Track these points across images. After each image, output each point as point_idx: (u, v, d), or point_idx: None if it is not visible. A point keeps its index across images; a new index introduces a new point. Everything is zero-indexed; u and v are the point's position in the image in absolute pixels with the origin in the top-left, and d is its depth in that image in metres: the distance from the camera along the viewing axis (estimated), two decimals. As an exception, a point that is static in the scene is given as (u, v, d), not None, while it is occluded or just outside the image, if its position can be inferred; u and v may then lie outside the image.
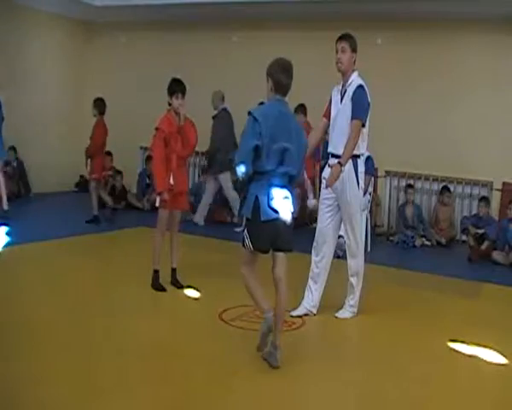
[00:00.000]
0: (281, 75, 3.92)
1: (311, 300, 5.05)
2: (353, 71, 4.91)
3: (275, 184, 3.85)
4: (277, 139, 3.82)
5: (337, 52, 4.87)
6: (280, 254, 3.98)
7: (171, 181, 5.43)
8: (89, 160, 8.62)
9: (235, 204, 8.95)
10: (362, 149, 4.91)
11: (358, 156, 4.90)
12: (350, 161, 4.79)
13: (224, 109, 8.94)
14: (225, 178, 8.88)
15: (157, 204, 5.49)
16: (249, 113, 3.87)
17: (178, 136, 5.47)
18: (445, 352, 4.46)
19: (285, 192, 3.90)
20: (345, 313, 5.08)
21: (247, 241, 3.88)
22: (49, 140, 11.05)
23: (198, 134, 5.69)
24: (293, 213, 4.01)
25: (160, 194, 5.39)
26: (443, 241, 8.74)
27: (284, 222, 3.90)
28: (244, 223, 4.05)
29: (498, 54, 8.83)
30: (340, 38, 4.89)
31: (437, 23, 9.02)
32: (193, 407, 3.43)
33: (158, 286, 5.49)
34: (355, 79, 4.88)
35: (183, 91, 5.47)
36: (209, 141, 8.89)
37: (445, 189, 8.94)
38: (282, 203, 3.87)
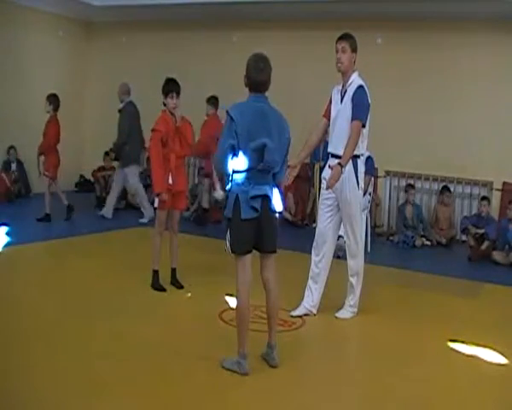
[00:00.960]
0: (253, 72, 3.79)
1: (311, 300, 5.05)
2: (353, 71, 4.90)
3: (255, 182, 3.74)
4: (255, 136, 3.70)
5: (337, 52, 4.86)
6: (267, 256, 3.90)
7: (170, 181, 5.42)
8: (42, 157, 8.54)
9: (141, 200, 8.91)
10: (362, 149, 4.90)
11: (358, 156, 4.89)
12: (350, 161, 4.78)
13: (130, 102, 8.81)
14: (132, 172, 8.84)
15: (155, 205, 5.48)
16: (227, 112, 3.75)
17: (176, 135, 5.46)
18: (445, 352, 4.46)
19: (267, 190, 3.79)
20: (345, 313, 5.08)
21: (227, 243, 3.77)
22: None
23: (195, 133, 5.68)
24: (280, 213, 3.93)
25: (158, 195, 5.38)
26: (443, 241, 8.73)
27: (267, 221, 3.81)
28: (226, 224, 3.90)
29: (498, 54, 8.81)
30: (340, 38, 4.88)
31: (437, 23, 9.00)
32: (192, 407, 3.43)
33: (157, 286, 5.49)
34: (355, 80, 4.87)
35: (178, 91, 5.45)
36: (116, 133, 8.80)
37: (445, 189, 8.94)
38: (264, 201, 3.77)
